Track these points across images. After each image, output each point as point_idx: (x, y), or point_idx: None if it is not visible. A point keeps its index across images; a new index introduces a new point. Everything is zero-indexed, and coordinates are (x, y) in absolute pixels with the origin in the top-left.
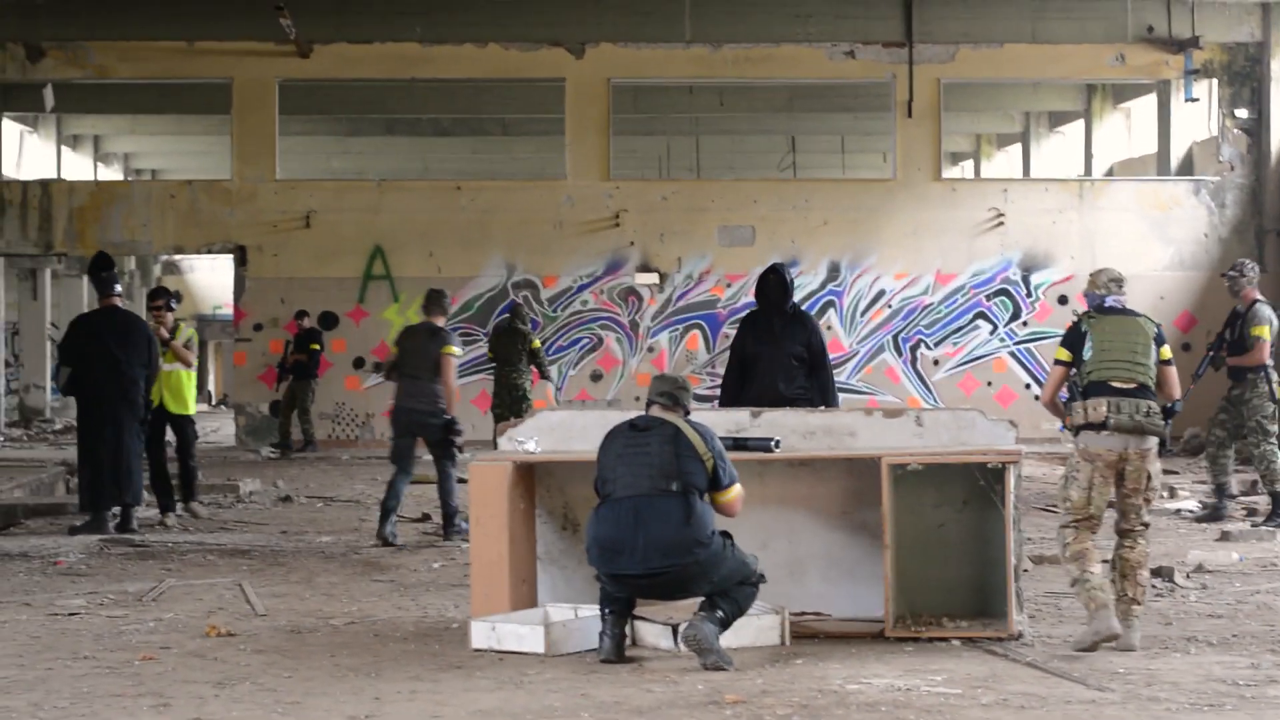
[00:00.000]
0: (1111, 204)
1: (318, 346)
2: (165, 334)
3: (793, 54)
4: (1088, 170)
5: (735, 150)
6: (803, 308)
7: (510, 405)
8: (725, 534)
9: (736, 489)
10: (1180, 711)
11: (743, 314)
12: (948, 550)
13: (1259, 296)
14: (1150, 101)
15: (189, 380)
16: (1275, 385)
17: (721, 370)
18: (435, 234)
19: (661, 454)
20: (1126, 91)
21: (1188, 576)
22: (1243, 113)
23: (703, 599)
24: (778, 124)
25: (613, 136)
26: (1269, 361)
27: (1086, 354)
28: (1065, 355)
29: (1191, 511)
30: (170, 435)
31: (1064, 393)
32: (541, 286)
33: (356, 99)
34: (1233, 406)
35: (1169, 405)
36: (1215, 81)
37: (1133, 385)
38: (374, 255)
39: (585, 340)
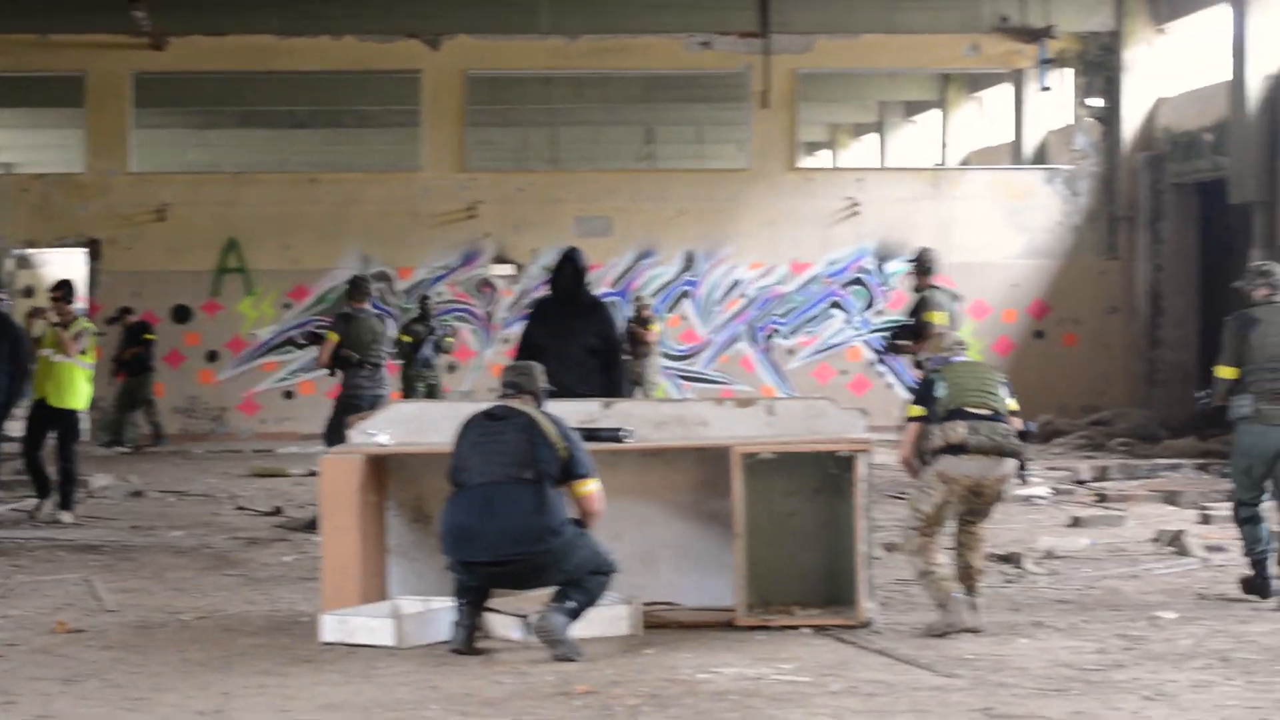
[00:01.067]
0: (966, 193)
1: (151, 336)
2: (55, 318)
3: (649, 45)
4: (943, 159)
5: (592, 141)
6: (599, 296)
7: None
8: (578, 522)
9: (594, 484)
10: (1027, 696)
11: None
12: (798, 539)
13: (936, 284)
14: (1005, 91)
15: (78, 374)
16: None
17: None
18: (291, 226)
19: (516, 442)
20: (982, 81)
21: (1037, 562)
22: (1096, 101)
23: (555, 589)
24: (635, 115)
25: (469, 128)
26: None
27: (940, 393)
28: (918, 410)
29: (1044, 497)
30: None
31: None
32: (397, 278)
33: (212, 91)
34: None
35: (1023, 429)
36: (1069, 71)
37: (989, 411)
38: (228, 248)
39: (439, 331)
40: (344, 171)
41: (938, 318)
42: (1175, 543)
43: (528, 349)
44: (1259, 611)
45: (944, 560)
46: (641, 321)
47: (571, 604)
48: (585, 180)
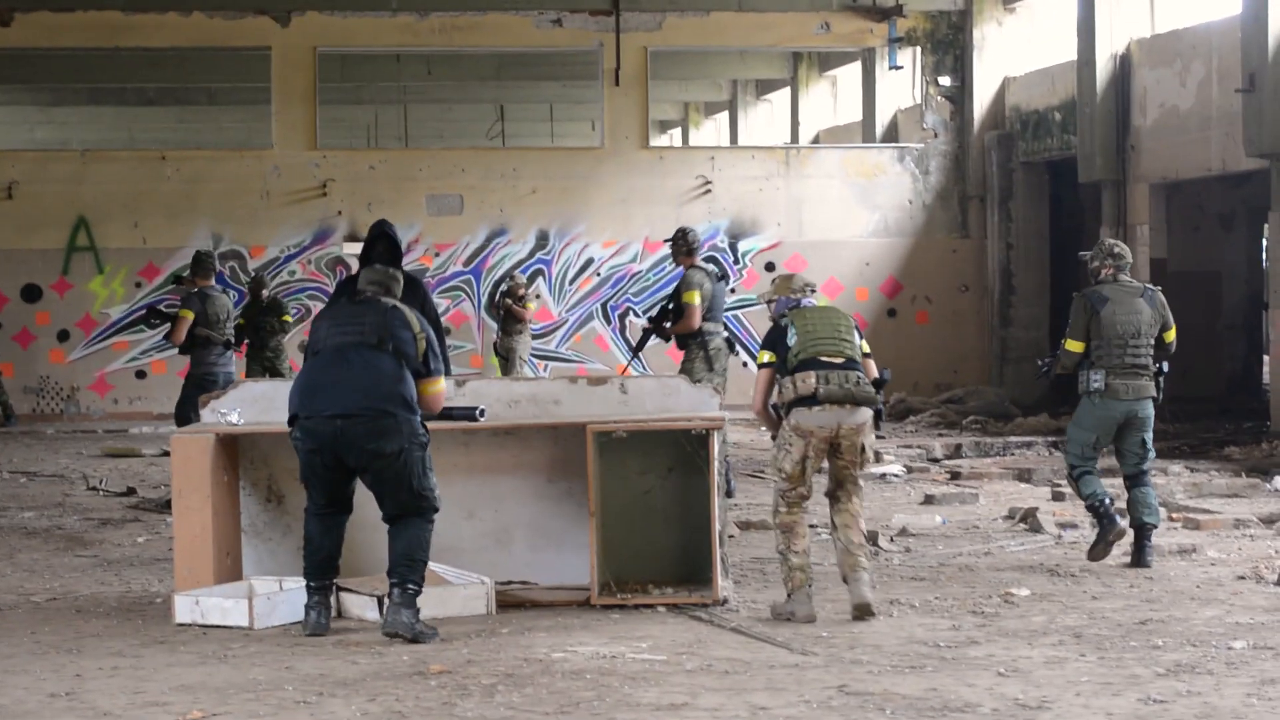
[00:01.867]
0: (818, 171)
1: None
2: None
3: (500, 22)
4: (794, 138)
5: (444, 119)
6: (411, 274)
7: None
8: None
9: (442, 383)
10: (882, 674)
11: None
12: (653, 517)
13: (696, 263)
14: (856, 69)
15: None
16: (711, 351)
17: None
18: (141, 204)
19: (375, 321)
20: (832, 59)
21: (891, 540)
22: (946, 80)
23: (391, 578)
24: (486, 92)
25: (320, 106)
26: (702, 326)
27: (790, 341)
28: (769, 356)
29: (897, 476)
30: None
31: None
32: (249, 257)
33: (60, 68)
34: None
35: (877, 378)
36: (919, 49)
37: (840, 360)
38: (78, 226)
39: (294, 311)
40: (194, 149)
41: (692, 297)
42: (1028, 520)
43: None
44: (1110, 588)
45: (804, 548)
46: (518, 299)
47: (411, 589)
48: (437, 158)
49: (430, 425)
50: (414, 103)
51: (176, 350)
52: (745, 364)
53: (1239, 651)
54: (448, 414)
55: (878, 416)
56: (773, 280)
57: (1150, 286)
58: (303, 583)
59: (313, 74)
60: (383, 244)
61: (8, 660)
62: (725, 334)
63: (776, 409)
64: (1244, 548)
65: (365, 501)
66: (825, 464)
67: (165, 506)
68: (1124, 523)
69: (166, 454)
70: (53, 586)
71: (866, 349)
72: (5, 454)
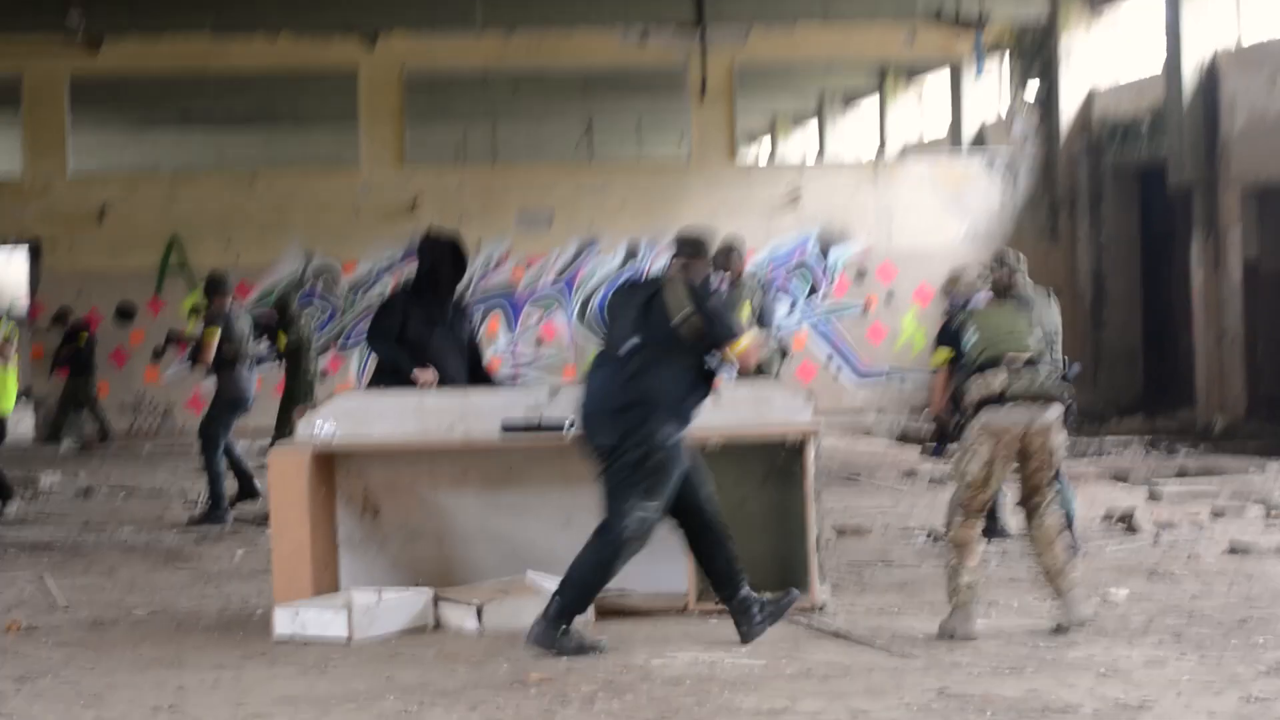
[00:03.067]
0: (906, 180)
1: (88, 334)
2: None
3: (586, 38)
4: (882, 147)
5: (532, 135)
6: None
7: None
8: None
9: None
10: (982, 676)
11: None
12: (750, 525)
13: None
14: (943, 79)
15: (9, 378)
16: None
17: (521, 351)
18: (231, 224)
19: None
20: (919, 69)
21: (989, 541)
22: (1033, 88)
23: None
24: (573, 108)
25: (407, 124)
26: None
27: (971, 340)
28: (946, 353)
29: None
30: None
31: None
32: (341, 273)
33: (149, 92)
34: None
35: (1065, 373)
36: (1006, 58)
37: (1027, 355)
38: (170, 246)
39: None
40: (284, 166)
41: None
42: (1125, 520)
43: (402, 333)
44: (1209, 587)
45: (977, 564)
46: None
47: (556, 603)
48: (526, 174)
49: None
50: (503, 120)
51: (204, 370)
52: (839, 369)
53: None
54: (539, 426)
55: (1067, 412)
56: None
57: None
58: (401, 593)
59: (400, 94)
60: (453, 253)
61: (111, 675)
62: (776, 343)
63: (951, 414)
64: None
65: (458, 512)
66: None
67: (263, 520)
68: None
69: (262, 468)
70: (152, 601)
71: (1058, 323)
72: (103, 471)
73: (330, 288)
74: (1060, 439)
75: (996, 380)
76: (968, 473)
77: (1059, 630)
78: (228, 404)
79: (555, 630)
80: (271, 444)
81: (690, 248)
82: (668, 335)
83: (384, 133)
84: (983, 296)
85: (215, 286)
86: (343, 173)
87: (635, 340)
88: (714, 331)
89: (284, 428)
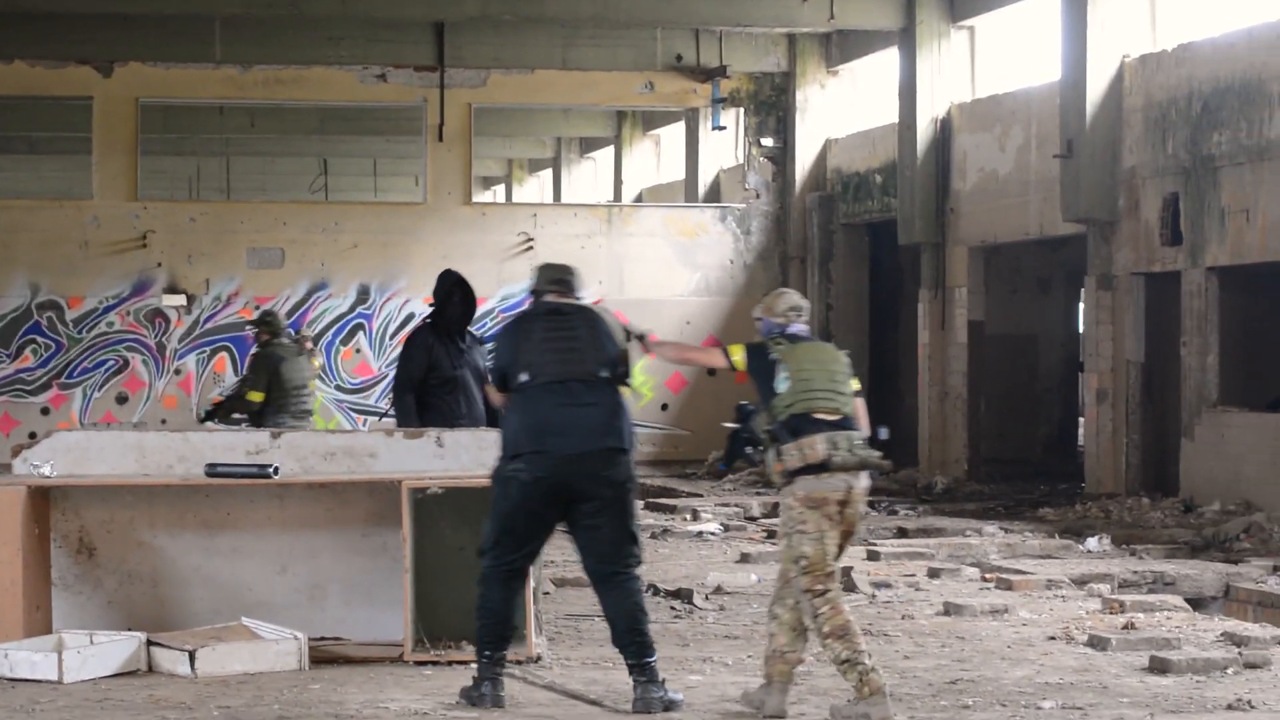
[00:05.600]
0: (640, 229)
1: None
2: None
3: (324, 76)
4: (617, 196)
5: (266, 172)
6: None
7: None
8: None
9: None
10: None
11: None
12: (468, 573)
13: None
14: (679, 129)
15: None
16: None
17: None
18: None
19: (587, 339)
20: (656, 119)
21: (706, 598)
22: (769, 141)
23: (632, 663)
24: (309, 146)
25: (141, 156)
26: None
27: (780, 385)
28: (740, 358)
29: (714, 534)
30: None
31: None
32: (67, 308)
33: None
34: None
35: (872, 436)
36: (742, 110)
37: (838, 416)
38: None
39: (111, 362)
40: (13, 198)
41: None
42: (843, 579)
43: (433, 372)
44: (922, 648)
45: (865, 645)
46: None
47: (651, 664)
48: (258, 211)
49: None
50: (237, 155)
51: None
52: None
53: (1048, 711)
54: (233, 474)
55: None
56: (763, 294)
57: None
58: (113, 637)
59: (134, 124)
60: (459, 293)
61: None
62: None
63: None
64: (1055, 608)
65: (175, 554)
66: None
67: None
68: None
69: None
70: None
71: (856, 385)
72: None
73: (54, 323)
74: (865, 508)
75: (817, 450)
76: (804, 556)
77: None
78: None
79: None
80: None
81: (576, 280)
82: (616, 364)
83: (117, 164)
84: (800, 329)
85: None
86: (73, 204)
87: (606, 370)
88: (629, 366)
89: None
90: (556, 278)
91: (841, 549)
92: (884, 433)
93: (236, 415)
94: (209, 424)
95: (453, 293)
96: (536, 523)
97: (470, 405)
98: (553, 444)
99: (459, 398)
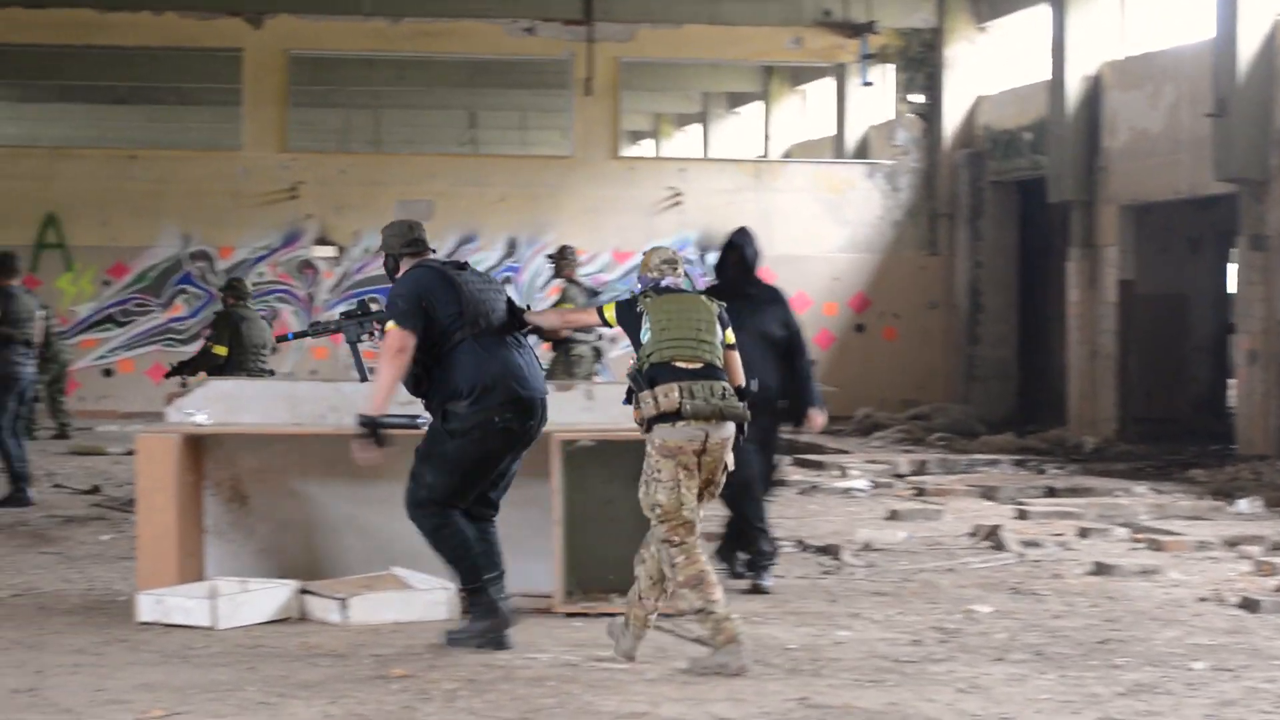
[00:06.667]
0: (788, 185)
1: None
2: None
3: (472, 29)
4: (765, 151)
5: (415, 124)
6: (773, 284)
7: None
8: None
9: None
10: (843, 687)
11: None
12: (617, 526)
13: (575, 277)
14: (828, 85)
15: None
16: (572, 357)
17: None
18: (109, 202)
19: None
20: (804, 74)
21: (855, 554)
22: (917, 98)
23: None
24: (458, 99)
25: (291, 108)
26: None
27: (644, 336)
28: (611, 314)
29: (862, 490)
30: None
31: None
32: (217, 258)
33: (30, 64)
34: None
35: (741, 387)
36: (891, 66)
37: (699, 365)
38: (47, 223)
39: (261, 312)
40: (163, 149)
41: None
42: (992, 537)
43: None
44: (1072, 607)
45: (723, 596)
46: None
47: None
48: (407, 163)
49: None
50: (385, 107)
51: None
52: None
53: (1199, 673)
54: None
55: (740, 431)
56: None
57: None
58: (266, 584)
59: (284, 76)
60: (733, 254)
61: None
62: (594, 344)
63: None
64: (1206, 570)
65: (327, 504)
66: None
67: (129, 505)
68: None
69: (131, 452)
70: (15, 583)
71: (731, 339)
72: None
73: (205, 274)
74: (731, 458)
75: (671, 398)
76: (659, 504)
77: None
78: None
79: None
80: None
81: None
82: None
83: (266, 115)
84: (672, 281)
85: (2, 267)
86: (222, 155)
87: (516, 322)
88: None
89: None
90: (420, 237)
91: (703, 497)
92: (755, 384)
93: (201, 371)
94: (174, 378)
95: (725, 255)
96: (494, 468)
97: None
98: (523, 390)
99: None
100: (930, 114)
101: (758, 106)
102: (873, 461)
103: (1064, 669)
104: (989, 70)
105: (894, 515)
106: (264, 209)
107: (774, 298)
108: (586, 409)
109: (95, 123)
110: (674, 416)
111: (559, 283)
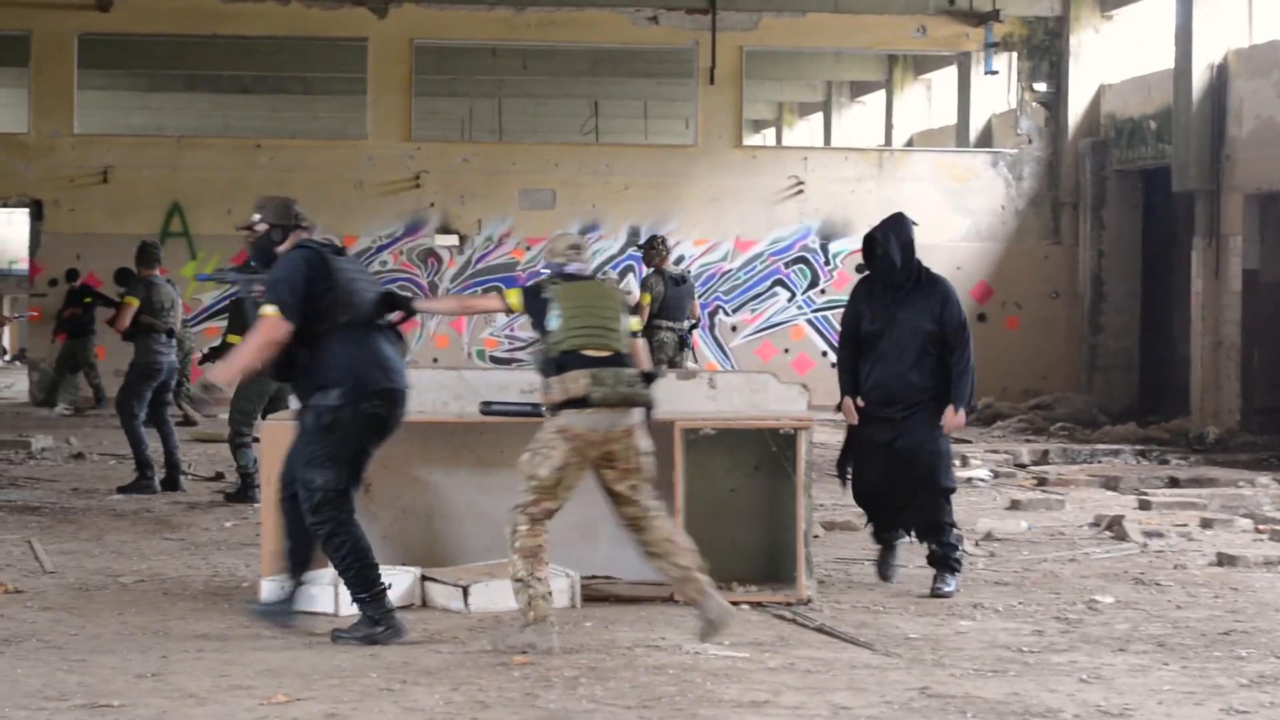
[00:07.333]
0: (911, 174)
1: (90, 299)
2: None
3: (596, 18)
4: (888, 140)
5: (538, 113)
6: (932, 271)
7: None
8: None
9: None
10: (965, 677)
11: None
12: (739, 515)
13: (663, 267)
14: (951, 73)
15: None
16: (654, 343)
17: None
18: (234, 191)
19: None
20: (928, 63)
21: (976, 544)
22: (1041, 86)
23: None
24: (581, 88)
25: (415, 97)
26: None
27: (552, 324)
28: (516, 300)
29: (984, 480)
30: None
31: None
32: (342, 246)
33: (157, 54)
34: None
35: (649, 371)
36: (1015, 55)
37: (608, 353)
38: (172, 212)
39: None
40: (288, 138)
41: (645, 298)
42: (1114, 527)
43: (852, 333)
44: (1194, 598)
45: (546, 575)
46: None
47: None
48: (530, 153)
49: (495, 419)
50: (509, 96)
51: (120, 337)
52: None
53: None
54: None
55: (648, 414)
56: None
57: None
58: (388, 571)
59: (409, 66)
60: (879, 236)
61: (95, 640)
62: (679, 333)
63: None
64: None
65: (449, 491)
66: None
67: (246, 493)
68: None
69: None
70: (140, 569)
71: (637, 326)
72: (95, 437)
73: None
74: (646, 442)
75: (579, 385)
76: (537, 475)
77: (708, 633)
78: (141, 373)
79: None
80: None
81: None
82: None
83: (391, 105)
84: (577, 268)
85: (142, 255)
86: (347, 144)
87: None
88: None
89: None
90: (301, 212)
91: (635, 488)
92: (662, 370)
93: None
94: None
95: (872, 247)
96: (368, 459)
97: (905, 365)
98: (389, 382)
99: (879, 353)
100: (1054, 102)
101: (881, 95)
102: (994, 451)
103: (1186, 660)
104: (1113, 58)
105: (1015, 505)
106: (387, 198)
107: (927, 289)
108: (710, 398)
109: (220, 112)
110: (581, 403)
111: (649, 272)
